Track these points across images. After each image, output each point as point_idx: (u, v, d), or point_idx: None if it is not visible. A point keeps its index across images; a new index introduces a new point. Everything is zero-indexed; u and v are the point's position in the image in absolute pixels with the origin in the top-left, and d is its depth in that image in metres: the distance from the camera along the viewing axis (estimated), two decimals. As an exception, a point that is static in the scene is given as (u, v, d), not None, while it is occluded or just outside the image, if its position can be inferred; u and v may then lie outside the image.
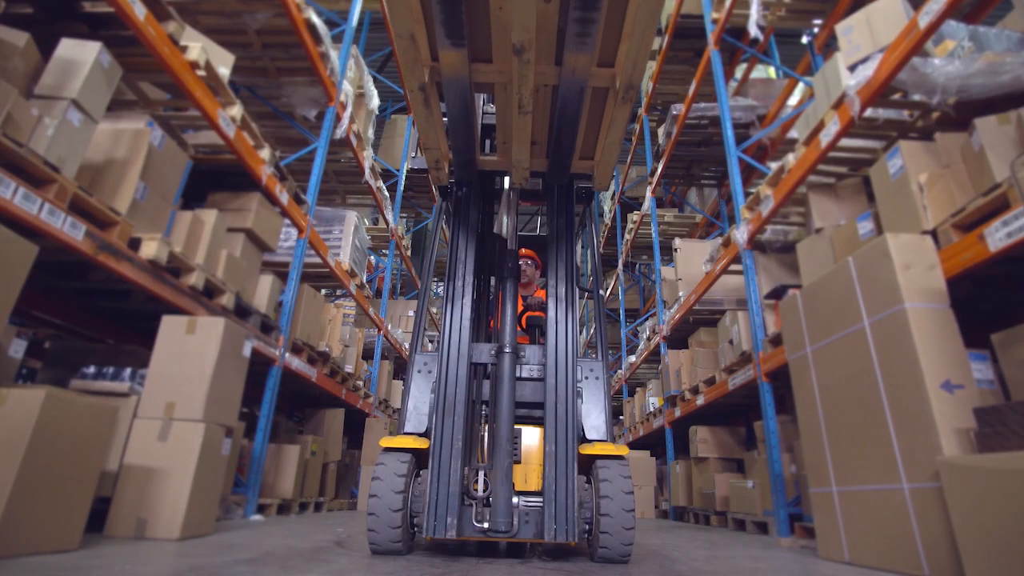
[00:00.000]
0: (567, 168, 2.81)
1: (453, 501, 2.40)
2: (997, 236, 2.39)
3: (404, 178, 9.47)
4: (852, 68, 3.68)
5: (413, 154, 9.54)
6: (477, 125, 2.83)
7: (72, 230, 2.58)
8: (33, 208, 2.37)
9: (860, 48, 3.66)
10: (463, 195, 3.08)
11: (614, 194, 11.70)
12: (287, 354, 4.90)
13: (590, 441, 2.80)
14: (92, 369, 3.07)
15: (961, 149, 3.06)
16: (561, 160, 2.72)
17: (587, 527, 2.54)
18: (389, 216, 8.41)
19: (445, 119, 2.65)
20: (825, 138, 3.73)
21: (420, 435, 2.77)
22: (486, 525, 2.40)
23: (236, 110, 3.92)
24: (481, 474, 2.53)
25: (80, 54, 2.76)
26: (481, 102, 3.12)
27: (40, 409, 1.95)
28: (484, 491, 2.48)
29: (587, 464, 2.73)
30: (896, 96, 3.61)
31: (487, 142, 3.16)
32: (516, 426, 2.75)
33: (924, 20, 2.86)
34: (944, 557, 2.14)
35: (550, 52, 2.27)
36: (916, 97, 3.52)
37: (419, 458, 2.72)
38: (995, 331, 2.47)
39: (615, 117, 2.47)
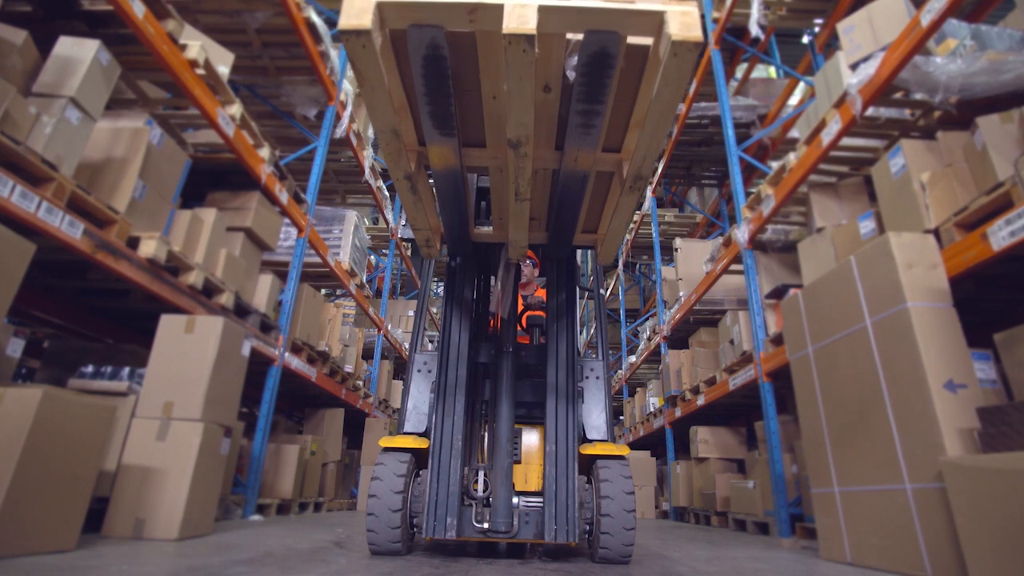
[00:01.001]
0: (568, 243, 2.65)
1: (453, 501, 2.39)
2: (1000, 235, 2.37)
3: (404, 178, 9.44)
4: (854, 67, 3.67)
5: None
6: (470, 201, 2.62)
7: (70, 229, 2.57)
8: (31, 206, 2.36)
9: (862, 47, 3.64)
10: (457, 265, 2.85)
11: (614, 194, 11.67)
12: (287, 354, 4.88)
13: (591, 441, 2.80)
14: (90, 368, 3.06)
15: (963, 148, 3.04)
16: (562, 236, 2.55)
17: (587, 527, 2.53)
18: (389, 216, 8.40)
19: (434, 189, 2.46)
20: (826, 137, 3.71)
21: (420, 435, 2.78)
22: (486, 525, 2.40)
23: (235, 109, 3.90)
24: (481, 474, 2.54)
25: (78, 52, 2.75)
26: (476, 175, 2.93)
27: (37, 408, 1.94)
28: (484, 491, 2.48)
29: (588, 464, 2.73)
30: (898, 95, 3.60)
31: (482, 203, 2.98)
32: (516, 426, 2.75)
33: (926, 18, 2.84)
34: (947, 558, 2.13)
35: (550, 137, 2.09)
36: (918, 96, 3.51)
37: (419, 458, 2.72)
38: (998, 331, 2.46)
39: (621, 204, 2.28)
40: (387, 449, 2.61)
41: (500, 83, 1.66)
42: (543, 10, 1.55)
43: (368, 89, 1.75)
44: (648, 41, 1.70)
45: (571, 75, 1.75)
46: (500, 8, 1.55)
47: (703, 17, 6.35)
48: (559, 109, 1.96)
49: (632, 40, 1.68)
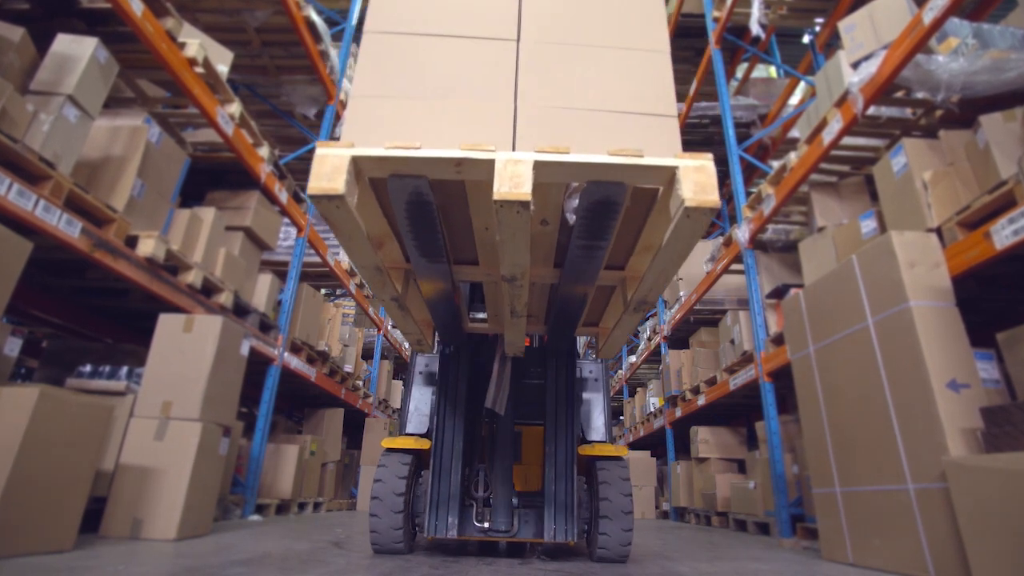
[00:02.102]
0: (568, 338, 2.56)
1: (454, 502, 2.42)
2: (1003, 233, 2.36)
3: (404, 177, 9.42)
4: (855, 65, 3.66)
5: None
6: (463, 303, 2.48)
7: (68, 227, 2.55)
8: (28, 205, 2.34)
9: (863, 45, 3.63)
10: (450, 353, 2.68)
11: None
12: (286, 353, 4.87)
13: (590, 442, 2.84)
14: (88, 368, 3.05)
15: (965, 147, 3.03)
16: (561, 333, 2.45)
17: (585, 527, 2.57)
18: (389, 215, 8.38)
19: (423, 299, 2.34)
20: (828, 136, 3.70)
21: (421, 436, 2.80)
22: (486, 525, 2.43)
23: (235, 108, 3.89)
24: (482, 475, 2.56)
25: (76, 50, 2.73)
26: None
27: (33, 408, 1.93)
28: (485, 492, 2.51)
29: (586, 465, 2.75)
30: (899, 94, 3.58)
31: (477, 292, 2.81)
32: (516, 427, 2.75)
33: (928, 16, 2.83)
34: (950, 559, 2.12)
35: (548, 257, 1.97)
36: (919, 95, 3.49)
37: (420, 459, 2.74)
38: (1000, 330, 2.45)
39: (624, 321, 2.16)
40: (389, 450, 2.63)
41: (492, 219, 1.50)
42: (539, 166, 1.41)
43: (344, 238, 1.59)
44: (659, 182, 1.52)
45: (571, 218, 1.62)
46: (491, 162, 1.40)
47: (703, 16, 6.34)
48: (558, 237, 1.85)
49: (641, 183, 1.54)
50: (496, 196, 1.34)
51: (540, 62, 1.67)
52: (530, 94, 1.61)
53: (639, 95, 1.62)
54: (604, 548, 2.41)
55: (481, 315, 2.60)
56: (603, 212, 1.55)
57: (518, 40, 1.72)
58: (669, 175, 1.45)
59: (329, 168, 1.38)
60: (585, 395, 3.03)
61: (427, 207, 1.56)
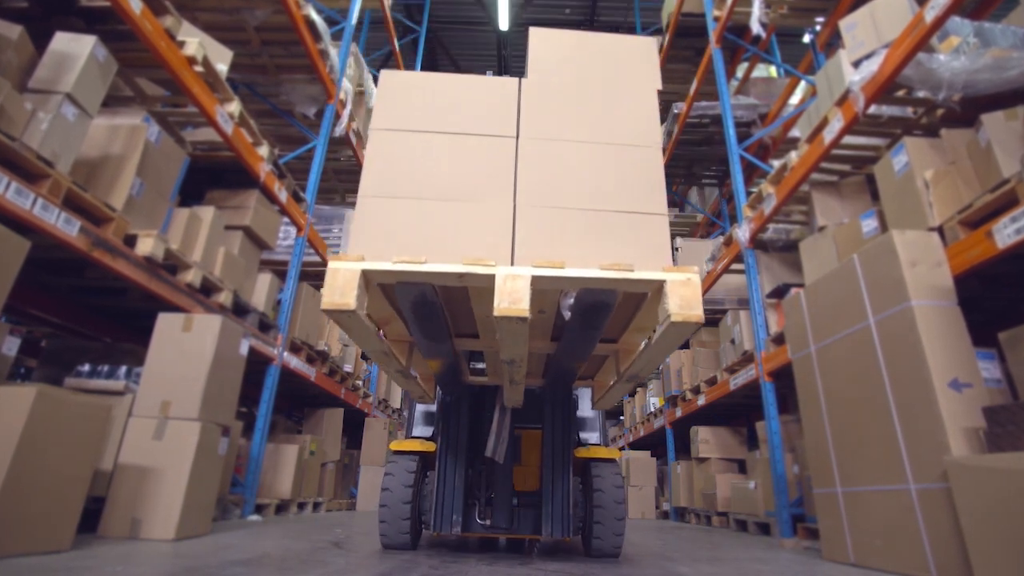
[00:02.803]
0: (565, 389, 2.69)
1: (458, 501, 2.54)
2: (1006, 232, 2.35)
3: (404, 177, 9.42)
4: (856, 64, 3.65)
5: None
6: (463, 359, 2.53)
7: (66, 226, 2.54)
8: (26, 203, 2.33)
9: (864, 44, 3.62)
10: (450, 401, 2.73)
11: (615, 194, 11.66)
12: (285, 353, 4.86)
13: (585, 445, 2.98)
14: (87, 367, 3.04)
15: (967, 145, 3.02)
16: (558, 386, 2.59)
17: (580, 524, 2.73)
18: (389, 215, 8.37)
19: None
20: (828, 135, 3.69)
21: (427, 439, 2.94)
22: (488, 522, 2.56)
23: (234, 106, 3.88)
24: (484, 475, 2.68)
25: (75, 48, 2.72)
26: None
27: (31, 407, 1.91)
28: (486, 491, 2.64)
29: (582, 466, 2.88)
30: (900, 93, 3.57)
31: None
32: (516, 431, 2.85)
33: (930, 14, 2.82)
34: (952, 559, 2.11)
35: (546, 333, 2.03)
36: (921, 94, 3.49)
37: (426, 460, 2.87)
38: (1002, 329, 2.44)
39: (616, 389, 2.29)
40: (397, 452, 2.77)
41: (491, 310, 1.58)
42: (537, 279, 1.50)
43: (355, 337, 1.73)
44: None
45: (566, 314, 1.70)
46: (491, 276, 1.50)
47: (703, 16, 6.33)
48: (555, 319, 1.91)
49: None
50: (496, 312, 1.45)
51: (538, 159, 1.75)
52: (529, 192, 1.69)
53: (631, 193, 1.71)
54: (599, 540, 2.58)
55: (481, 365, 2.69)
56: (595, 313, 1.67)
57: (517, 137, 1.79)
58: (658, 286, 1.55)
59: (341, 282, 1.48)
60: (581, 402, 3.14)
61: (432, 306, 1.67)
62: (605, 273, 1.51)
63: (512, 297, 1.46)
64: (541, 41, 2.02)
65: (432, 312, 1.71)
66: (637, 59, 1.99)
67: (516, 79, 1.92)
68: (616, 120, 1.83)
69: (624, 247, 1.60)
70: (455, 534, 2.51)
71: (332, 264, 1.49)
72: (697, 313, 1.44)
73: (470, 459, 2.66)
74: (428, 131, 1.79)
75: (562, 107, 1.85)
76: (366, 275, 1.53)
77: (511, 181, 1.72)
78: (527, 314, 1.45)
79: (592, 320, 1.71)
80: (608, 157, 1.77)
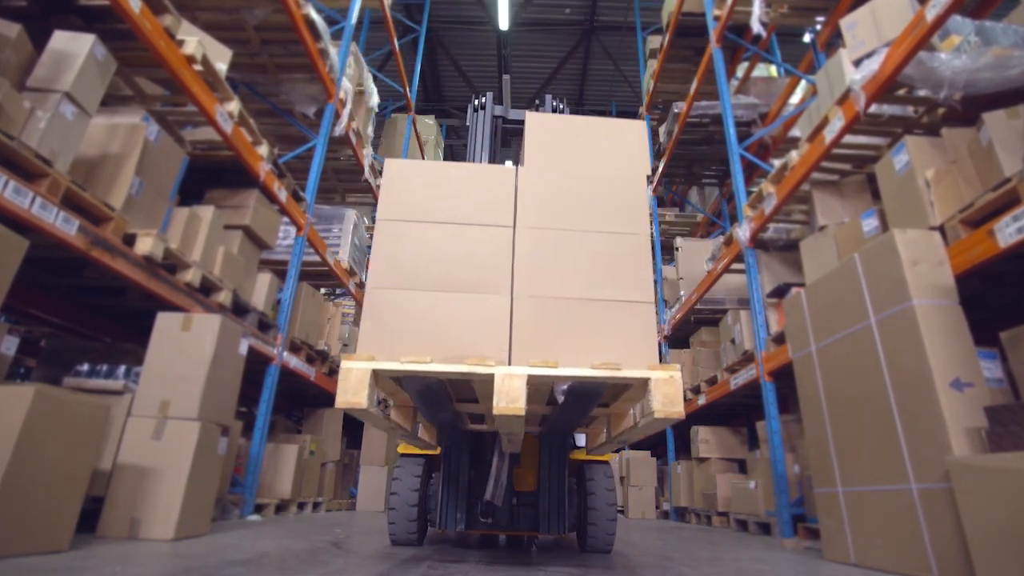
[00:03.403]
0: (562, 439, 2.81)
1: (461, 501, 2.67)
2: (1007, 231, 2.34)
3: (404, 177, 9.41)
4: (857, 63, 3.64)
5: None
6: (463, 415, 2.56)
7: (65, 225, 2.54)
8: (24, 202, 2.32)
9: (865, 43, 3.61)
10: (449, 447, 2.79)
11: (615, 193, 11.65)
12: (285, 353, 4.85)
13: (580, 447, 3.12)
14: (86, 367, 3.03)
15: (968, 144, 3.01)
16: (555, 435, 2.72)
17: (575, 522, 2.90)
18: (389, 215, 8.35)
19: None
20: (829, 134, 3.68)
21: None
22: (489, 520, 2.68)
23: (234, 106, 3.87)
24: (485, 477, 2.77)
25: (74, 46, 2.71)
26: None
27: (29, 406, 1.91)
28: (488, 491, 2.72)
29: (577, 468, 3.03)
30: (901, 92, 3.56)
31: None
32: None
33: (931, 13, 2.81)
34: (954, 559, 2.10)
35: (542, 400, 2.11)
36: (921, 93, 3.48)
37: (431, 462, 3.03)
38: (1004, 329, 2.43)
39: (605, 445, 2.50)
40: (404, 455, 2.94)
41: (490, 391, 1.71)
42: (532, 379, 1.63)
43: (367, 422, 1.93)
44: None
45: (560, 398, 1.81)
46: (491, 376, 1.63)
47: (704, 15, 6.32)
48: (550, 394, 2.00)
49: None
50: (496, 411, 1.59)
51: (533, 248, 1.88)
52: (525, 282, 1.83)
53: (620, 280, 1.84)
54: (593, 537, 2.79)
55: (481, 426, 2.77)
56: (586, 398, 1.82)
57: (514, 226, 1.90)
58: (642, 383, 1.70)
59: (354, 382, 1.61)
60: None
61: (435, 392, 1.82)
62: (595, 372, 1.65)
63: (510, 396, 1.60)
64: (537, 126, 2.12)
65: (436, 396, 1.85)
66: (628, 143, 2.11)
67: (513, 168, 2.01)
68: (606, 207, 1.95)
69: (614, 339, 1.75)
70: (459, 531, 2.69)
71: (345, 364, 1.63)
72: (678, 410, 1.59)
73: (473, 462, 2.78)
74: (430, 221, 1.90)
75: (556, 195, 1.96)
76: (376, 374, 1.66)
77: (509, 271, 1.84)
78: (523, 412, 1.59)
79: (583, 403, 1.86)
80: (598, 245, 1.89)
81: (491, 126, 3.04)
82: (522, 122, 3.09)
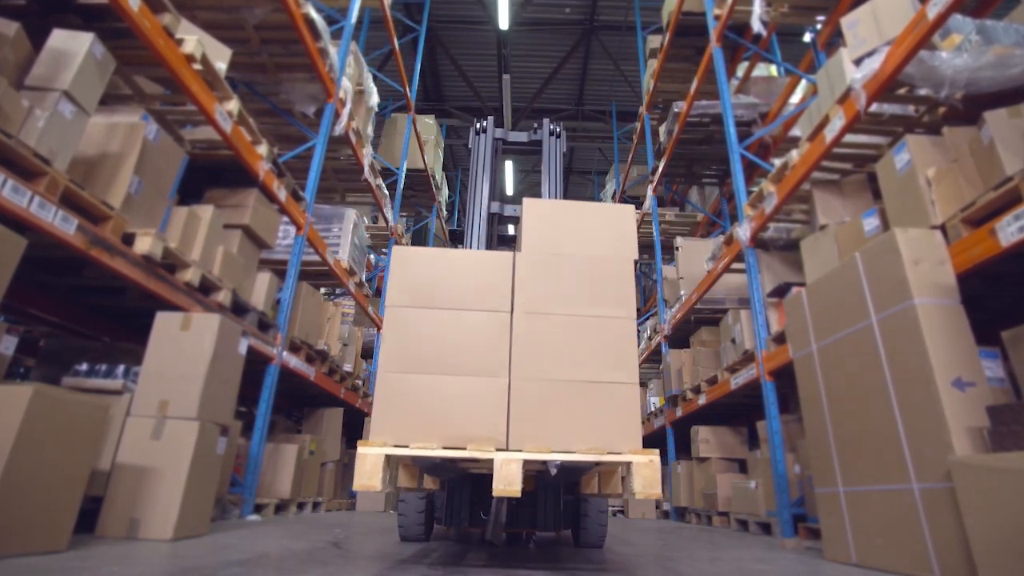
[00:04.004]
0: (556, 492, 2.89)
1: (465, 501, 2.79)
2: (1009, 230, 2.34)
3: (404, 176, 9.42)
4: (857, 62, 3.63)
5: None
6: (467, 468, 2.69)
7: (63, 224, 2.53)
8: (23, 201, 2.32)
9: (866, 42, 3.60)
10: (452, 486, 2.84)
11: (615, 193, 11.65)
12: (285, 352, 4.84)
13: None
14: (85, 366, 3.02)
15: (969, 143, 3.00)
16: (552, 484, 2.77)
17: (569, 520, 3.06)
18: (389, 214, 8.36)
19: None
20: (830, 133, 3.67)
21: None
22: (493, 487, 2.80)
23: (233, 105, 3.87)
24: (487, 481, 2.82)
25: (72, 45, 2.71)
26: None
27: (27, 406, 1.90)
28: (489, 493, 2.74)
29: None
30: (902, 91, 3.56)
31: None
32: None
33: (932, 11, 2.81)
34: (956, 559, 2.09)
35: (539, 464, 2.22)
36: (922, 92, 3.47)
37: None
38: (1006, 328, 2.42)
39: (600, 493, 2.56)
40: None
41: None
42: (528, 463, 1.85)
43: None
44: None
45: (552, 471, 1.97)
46: (491, 460, 1.85)
47: (704, 15, 6.32)
48: (544, 463, 2.16)
49: None
50: (495, 493, 1.80)
51: (529, 332, 2.03)
52: (521, 365, 1.99)
53: (608, 361, 1.99)
54: (586, 531, 3.03)
55: (482, 470, 2.93)
56: (577, 472, 2.12)
57: (512, 311, 2.06)
58: (626, 465, 1.91)
59: (369, 467, 1.80)
60: None
61: (442, 467, 2.03)
62: (584, 456, 1.86)
63: (507, 480, 1.81)
64: (532, 211, 2.28)
65: (442, 469, 2.07)
66: (617, 225, 2.26)
67: (511, 254, 2.18)
68: (596, 290, 2.11)
69: (603, 417, 1.95)
70: (463, 528, 2.91)
71: (361, 450, 1.82)
72: (656, 491, 1.80)
73: (474, 494, 2.85)
74: (434, 308, 2.07)
75: (550, 279, 2.12)
76: (389, 459, 1.87)
77: (507, 354, 2.01)
78: (519, 494, 1.81)
79: (573, 475, 2.15)
80: (589, 328, 2.05)
81: (492, 147, 3.21)
82: (519, 143, 3.41)
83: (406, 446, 1.86)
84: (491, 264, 2.14)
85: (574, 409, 1.94)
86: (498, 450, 1.88)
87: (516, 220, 3.23)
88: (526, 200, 2.32)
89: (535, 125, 3.49)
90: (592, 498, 2.93)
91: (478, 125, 3.35)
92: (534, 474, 2.66)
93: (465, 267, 2.14)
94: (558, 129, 3.37)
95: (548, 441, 1.90)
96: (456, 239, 3.66)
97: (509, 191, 16.07)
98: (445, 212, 12.27)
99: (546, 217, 2.26)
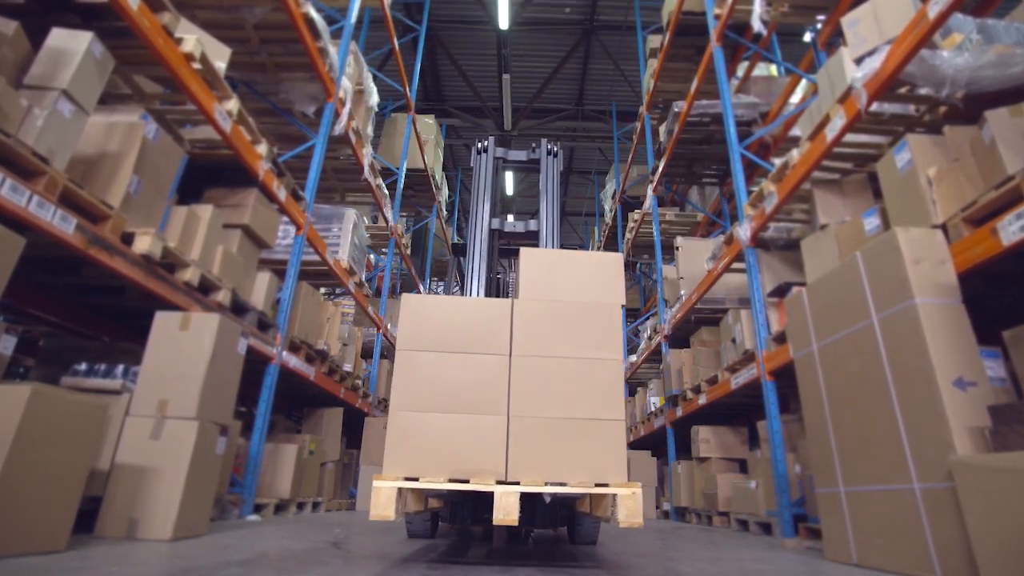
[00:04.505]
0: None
1: (468, 500, 2.80)
2: (1011, 230, 2.33)
3: (404, 176, 9.41)
4: (858, 61, 3.63)
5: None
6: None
7: (62, 223, 2.52)
8: (21, 200, 2.31)
9: (866, 41, 3.60)
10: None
11: (615, 193, 11.64)
12: (284, 352, 4.84)
13: None
14: (84, 366, 3.01)
15: (971, 142, 2.99)
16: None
17: (565, 519, 3.18)
18: (389, 214, 8.35)
19: None
20: (830, 133, 3.67)
21: None
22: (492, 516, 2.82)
23: (232, 104, 3.86)
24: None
25: (71, 44, 2.70)
26: None
27: (25, 405, 1.89)
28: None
29: None
30: (903, 90, 3.55)
31: None
32: None
33: (933, 10, 2.80)
34: (957, 560, 2.08)
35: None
36: (923, 91, 3.47)
37: None
38: (1006, 328, 2.42)
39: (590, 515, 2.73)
40: None
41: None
42: (524, 495, 2.04)
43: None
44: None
45: (547, 499, 2.18)
46: (491, 492, 2.02)
47: (704, 14, 6.31)
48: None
49: None
50: (495, 522, 1.97)
51: (526, 374, 2.23)
52: (519, 404, 2.19)
53: (596, 400, 2.20)
54: (581, 528, 3.18)
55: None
56: (568, 502, 2.39)
57: (510, 354, 2.25)
58: (613, 495, 2.10)
59: (383, 499, 1.98)
60: None
61: (448, 495, 2.31)
62: (574, 490, 2.06)
63: (506, 510, 1.99)
64: (529, 260, 2.49)
65: (448, 496, 2.34)
66: (606, 272, 2.47)
67: (510, 301, 2.36)
68: (587, 334, 2.30)
69: (593, 450, 2.13)
70: (466, 525, 3.13)
71: (376, 483, 2.00)
72: (638, 520, 1.99)
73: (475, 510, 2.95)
74: (441, 351, 2.25)
75: (544, 324, 2.31)
76: (401, 491, 2.05)
77: (506, 393, 2.19)
78: (516, 523, 1.98)
79: (566, 504, 2.44)
80: (581, 369, 2.24)
81: (492, 166, 3.45)
82: (517, 161, 3.66)
83: (416, 479, 2.04)
84: (492, 310, 2.33)
85: (567, 444, 2.13)
86: (498, 483, 2.04)
87: (515, 235, 3.52)
88: (523, 250, 2.51)
89: (533, 144, 3.64)
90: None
91: (479, 145, 3.52)
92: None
93: (469, 313, 2.33)
94: (555, 148, 3.57)
95: (543, 473, 2.09)
96: (458, 252, 3.85)
97: (509, 191, 16.08)
98: (445, 212, 12.26)
99: (541, 264, 2.48)
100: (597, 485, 2.09)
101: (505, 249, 3.73)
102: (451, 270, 4.06)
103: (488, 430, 2.16)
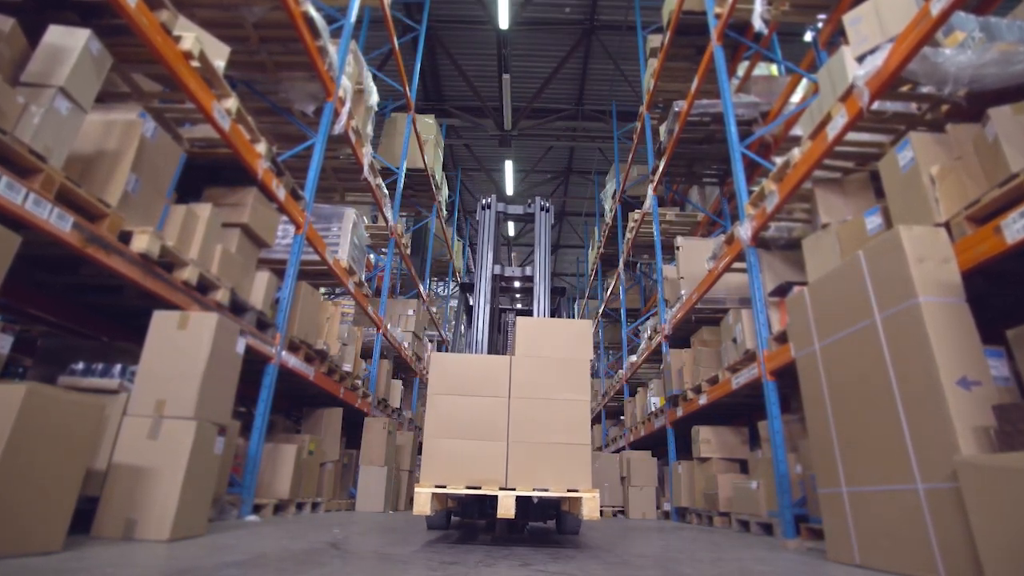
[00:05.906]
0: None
1: (475, 501, 3.40)
2: (1015, 228, 2.31)
3: (404, 176, 9.39)
4: (860, 59, 3.61)
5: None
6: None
7: (59, 221, 2.50)
8: (17, 198, 2.29)
9: (868, 39, 3.58)
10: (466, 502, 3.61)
11: (615, 193, 11.63)
12: (284, 352, 4.82)
13: None
14: (81, 365, 2.99)
15: (973, 140, 2.98)
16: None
17: (553, 515, 3.75)
18: (389, 214, 8.33)
19: None
20: (832, 131, 3.65)
21: None
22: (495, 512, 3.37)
23: (231, 103, 3.84)
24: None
25: (68, 41, 2.68)
26: None
27: (21, 405, 1.87)
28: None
29: None
30: (905, 88, 3.53)
31: None
32: None
33: (936, 7, 2.78)
34: (962, 560, 2.07)
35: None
36: (925, 90, 3.45)
37: None
38: (1010, 327, 2.40)
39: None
40: None
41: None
42: (519, 498, 2.94)
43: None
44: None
45: (535, 500, 3.04)
46: (496, 496, 2.88)
47: (704, 14, 6.29)
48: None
49: None
50: (499, 515, 2.85)
51: (520, 411, 3.08)
52: (515, 432, 3.04)
53: (571, 429, 3.04)
54: (565, 522, 3.73)
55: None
56: (552, 502, 3.30)
57: (509, 397, 3.11)
58: (579, 498, 2.92)
59: (423, 500, 2.83)
60: None
61: (463, 498, 3.26)
62: (555, 493, 2.92)
63: (505, 508, 2.84)
64: (523, 326, 3.29)
65: (464, 498, 3.25)
66: (579, 336, 3.26)
67: (509, 357, 3.22)
68: (563, 381, 3.14)
69: (569, 465, 2.98)
70: (474, 520, 3.82)
71: (417, 489, 2.86)
72: (596, 515, 2.87)
73: (480, 507, 3.55)
74: (460, 394, 3.12)
75: (533, 374, 3.15)
76: (435, 496, 2.90)
77: (505, 426, 3.04)
78: (513, 517, 2.90)
79: (550, 504, 3.35)
80: (559, 407, 3.09)
81: (495, 219, 4.34)
82: (516, 215, 4.54)
83: (444, 486, 2.89)
84: (496, 364, 3.19)
85: (549, 461, 2.96)
86: (500, 489, 2.89)
87: (514, 279, 4.50)
88: (519, 319, 3.32)
89: (528, 201, 4.41)
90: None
91: (483, 201, 4.39)
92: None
93: (480, 367, 3.19)
94: (547, 204, 4.41)
95: (533, 482, 2.92)
96: (466, 290, 4.61)
97: (509, 191, 16.07)
98: (445, 212, 12.25)
99: (532, 328, 3.30)
100: (569, 491, 2.90)
101: (505, 288, 4.64)
102: (460, 306, 4.80)
103: (493, 451, 2.98)
